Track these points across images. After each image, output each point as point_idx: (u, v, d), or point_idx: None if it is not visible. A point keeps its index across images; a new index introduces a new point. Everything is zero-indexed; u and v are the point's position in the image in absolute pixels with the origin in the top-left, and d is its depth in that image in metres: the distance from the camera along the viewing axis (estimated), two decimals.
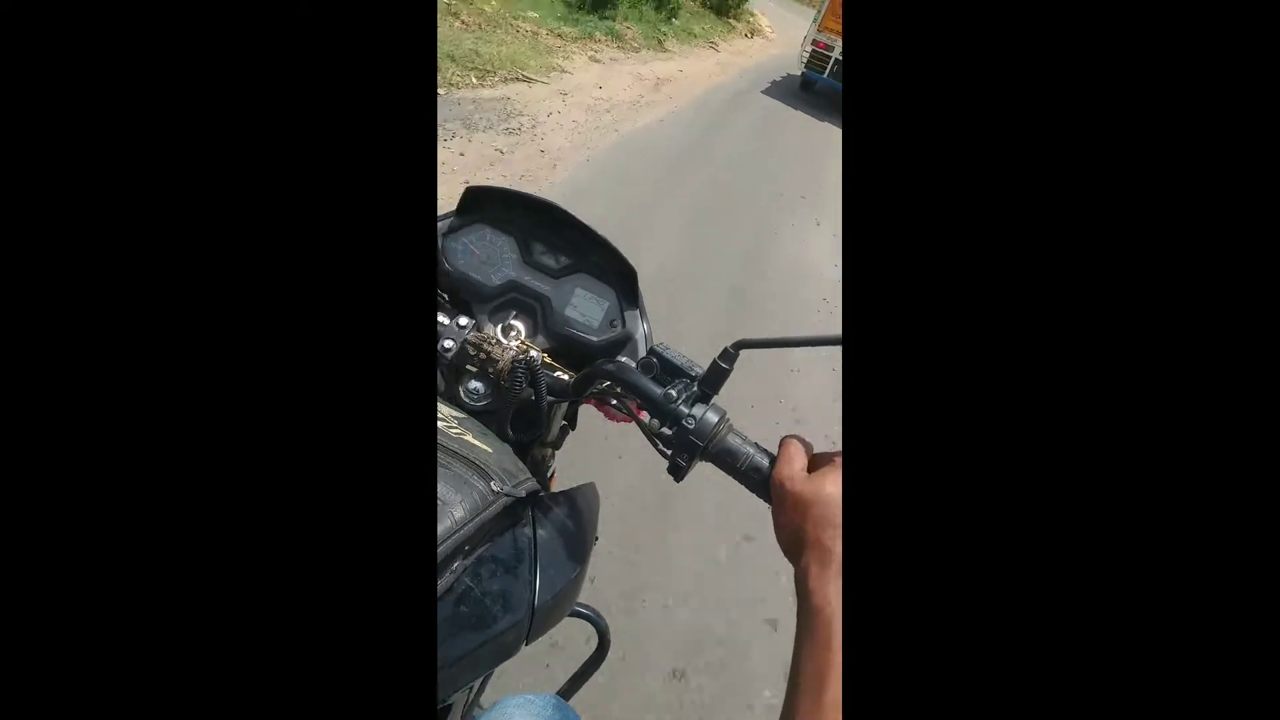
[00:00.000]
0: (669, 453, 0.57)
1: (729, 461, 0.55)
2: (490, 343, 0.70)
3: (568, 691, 0.84)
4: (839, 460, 0.47)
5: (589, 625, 0.78)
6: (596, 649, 0.81)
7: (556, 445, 0.90)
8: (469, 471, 0.55)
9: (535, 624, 0.59)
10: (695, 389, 0.58)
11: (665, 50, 8.64)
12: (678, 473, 0.56)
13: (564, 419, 0.87)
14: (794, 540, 0.45)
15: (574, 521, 0.67)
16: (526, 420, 0.75)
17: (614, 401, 0.68)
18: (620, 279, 0.77)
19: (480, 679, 0.77)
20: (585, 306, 0.77)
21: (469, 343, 0.69)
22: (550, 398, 0.69)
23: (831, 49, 7.32)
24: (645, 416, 0.61)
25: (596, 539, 0.74)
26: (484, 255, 0.77)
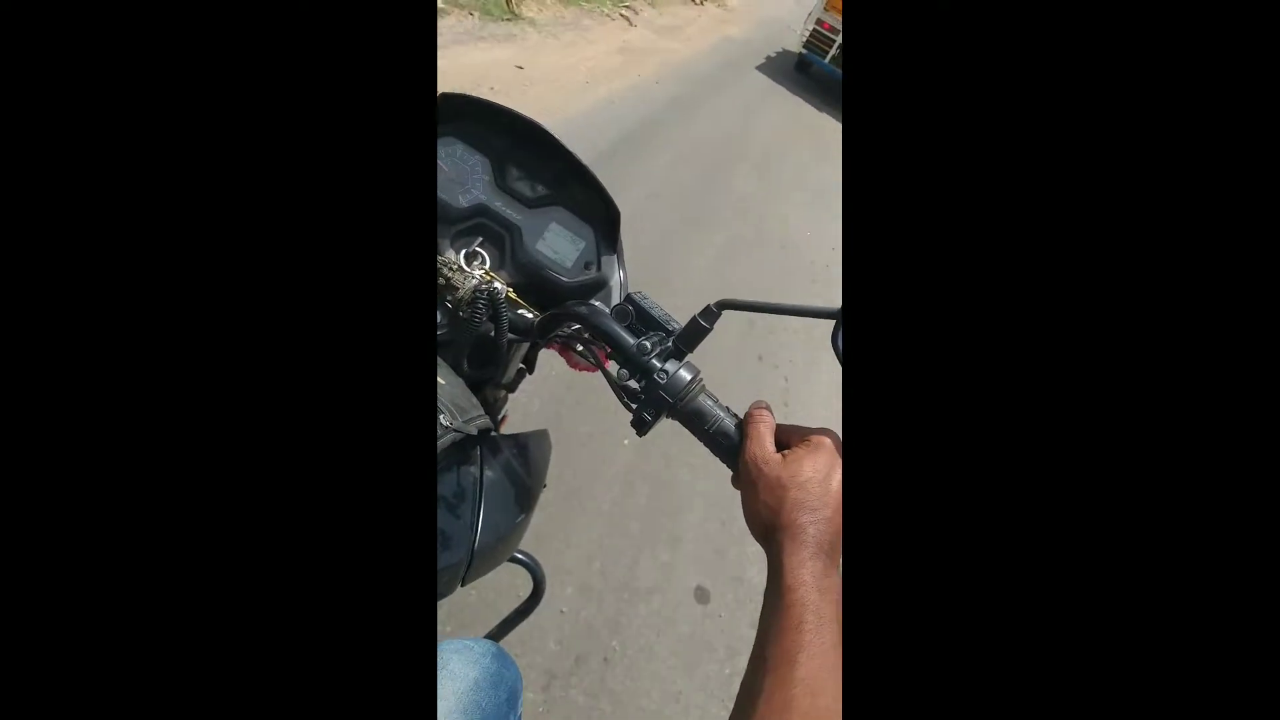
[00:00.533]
0: (634, 406, 0.54)
1: (697, 423, 0.52)
2: (451, 268, 0.64)
3: (498, 634, 0.83)
4: (815, 441, 0.46)
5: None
6: (531, 595, 0.79)
7: (511, 388, 0.85)
8: None
9: (473, 566, 0.57)
10: (670, 344, 0.54)
11: (520, 21, 4.47)
12: (641, 426, 0.53)
13: (522, 361, 0.82)
14: (766, 522, 0.45)
15: (523, 466, 0.64)
16: (482, 357, 0.70)
17: (579, 348, 0.63)
18: (601, 219, 0.71)
19: None
20: (559, 243, 0.71)
21: None
22: (512, 336, 0.64)
23: (837, 33, 6.34)
24: (612, 366, 0.57)
25: (544, 486, 0.71)
26: (453, 173, 0.70)
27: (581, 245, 0.71)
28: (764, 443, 0.47)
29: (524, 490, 0.62)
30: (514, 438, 0.66)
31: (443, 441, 0.52)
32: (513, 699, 0.64)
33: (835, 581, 0.41)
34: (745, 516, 0.47)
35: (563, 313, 0.58)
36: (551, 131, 0.68)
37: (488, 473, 0.58)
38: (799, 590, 0.39)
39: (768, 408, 0.51)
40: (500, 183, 0.71)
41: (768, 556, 0.44)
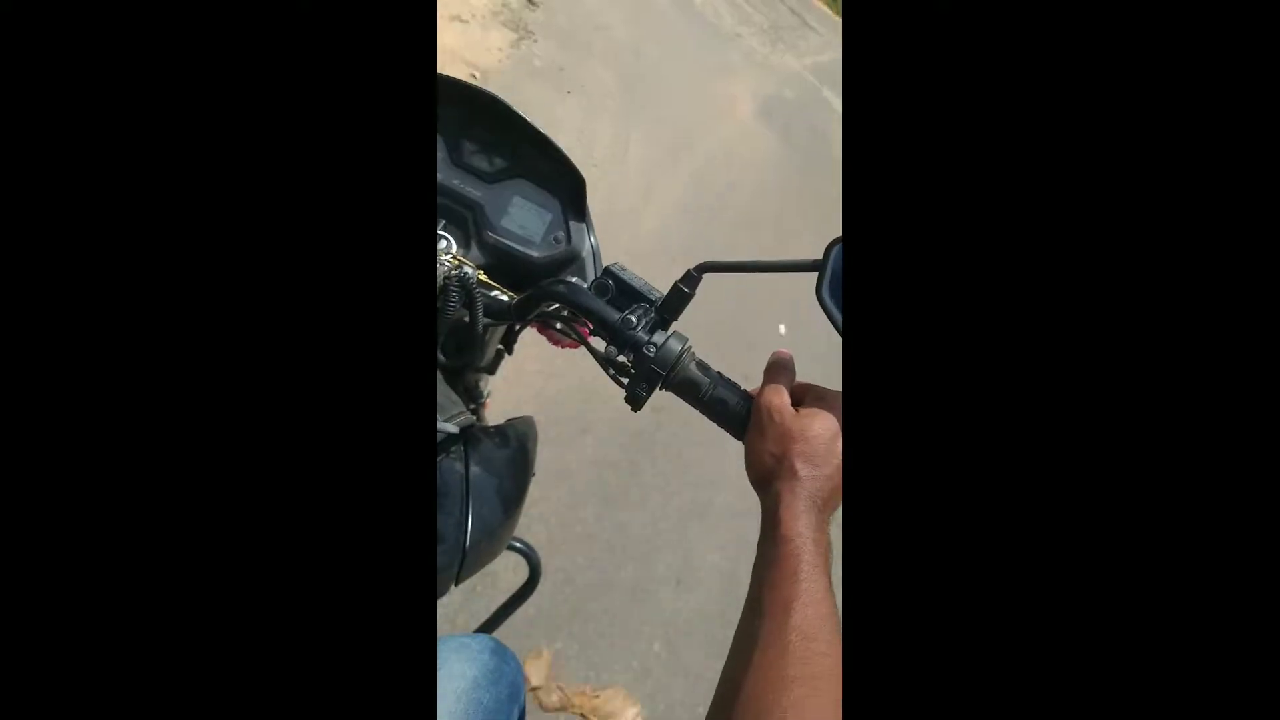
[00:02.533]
0: (625, 381, 0.53)
1: (691, 392, 0.51)
2: None
3: (493, 624, 0.82)
4: (829, 401, 0.47)
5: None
6: (526, 582, 0.79)
7: (491, 370, 0.83)
8: None
9: (466, 563, 0.56)
10: (654, 314, 0.53)
11: None
12: (636, 402, 0.52)
13: (500, 343, 0.80)
14: (767, 468, 0.45)
15: (509, 457, 0.63)
16: (458, 344, 0.68)
17: (559, 325, 0.62)
18: (565, 188, 0.68)
19: None
20: (525, 218, 0.68)
21: None
22: (488, 320, 0.61)
23: None
24: (597, 343, 0.56)
25: (533, 474, 0.70)
26: None
27: (548, 217, 0.68)
28: (781, 393, 0.48)
29: (512, 481, 0.61)
30: (498, 429, 0.65)
31: None
32: (514, 694, 0.63)
33: (826, 536, 0.42)
34: (746, 460, 0.48)
35: (540, 292, 0.56)
36: (507, 101, 0.64)
37: (474, 468, 0.57)
38: (795, 541, 0.40)
39: (790, 357, 0.51)
40: (455, 159, 0.67)
41: (763, 504, 0.44)
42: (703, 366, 0.52)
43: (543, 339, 0.68)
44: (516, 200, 0.68)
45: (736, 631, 0.40)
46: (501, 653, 0.64)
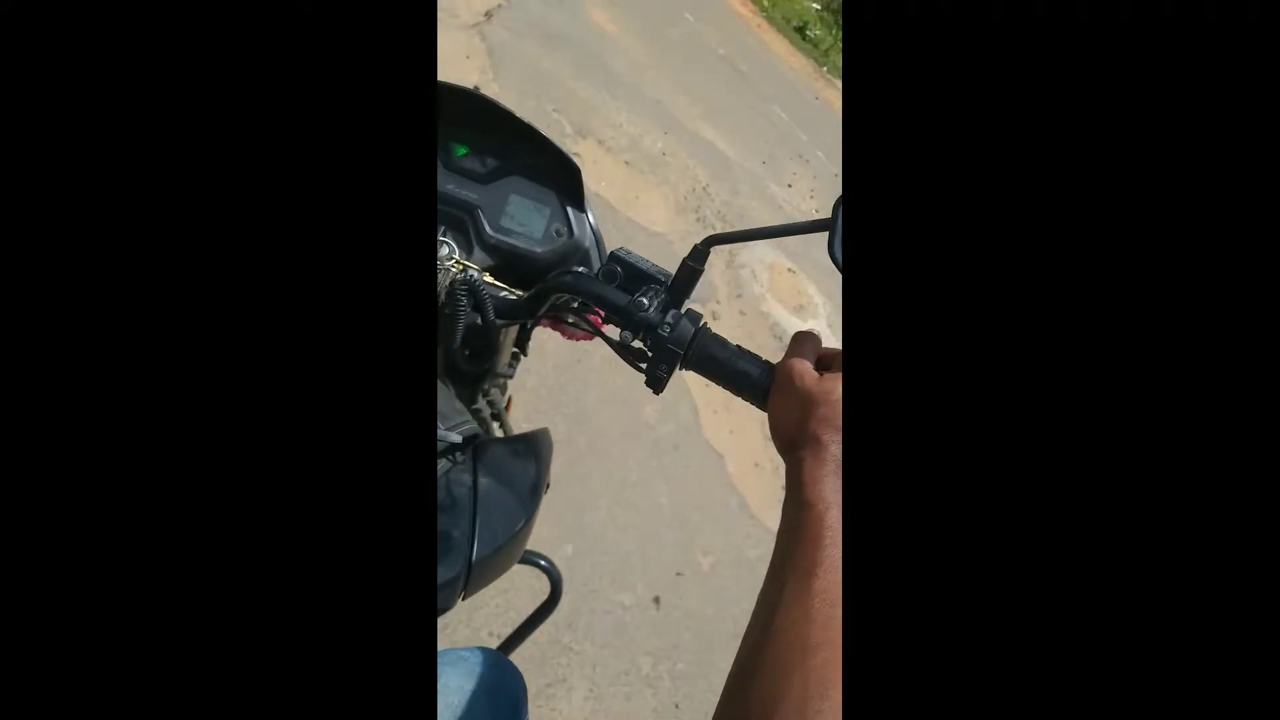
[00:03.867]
0: (643, 365, 0.52)
1: (712, 368, 0.50)
2: None
3: (512, 643, 0.79)
4: None
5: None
6: (547, 599, 0.76)
7: (508, 374, 0.83)
8: None
9: (473, 578, 0.55)
10: (665, 294, 0.52)
11: None
12: (657, 385, 0.51)
13: (514, 346, 0.80)
14: (792, 433, 0.45)
15: (521, 468, 0.62)
16: (473, 349, 0.67)
17: (571, 318, 0.61)
18: (560, 179, 0.67)
19: None
20: (523, 214, 0.67)
21: None
22: (499, 320, 0.61)
23: None
24: (608, 330, 0.55)
25: (548, 486, 0.68)
26: None
27: (547, 211, 0.68)
28: (804, 358, 0.47)
29: (523, 494, 0.60)
30: (510, 440, 0.64)
31: None
32: (516, 707, 0.62)
33: None
34: (770, 425, 0.47)
35: (550, 286, 0.55)
36: (490, 97, 0.64)
37: (482, 479, 0.57)
38: (818, 506, 0.40)
39: (812, 333, 0.50)
40: (448, 163, 0.67)
41: (787, 468, 0.44)
42: (720, 341, 0.51)
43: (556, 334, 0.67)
44: (513, 198, 0.67)
45: (759, 596, 0.40)
46: (502, 665, 0.62)
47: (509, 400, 0.83)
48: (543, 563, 0.73)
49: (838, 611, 0.35)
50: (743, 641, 0.38)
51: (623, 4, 4.41)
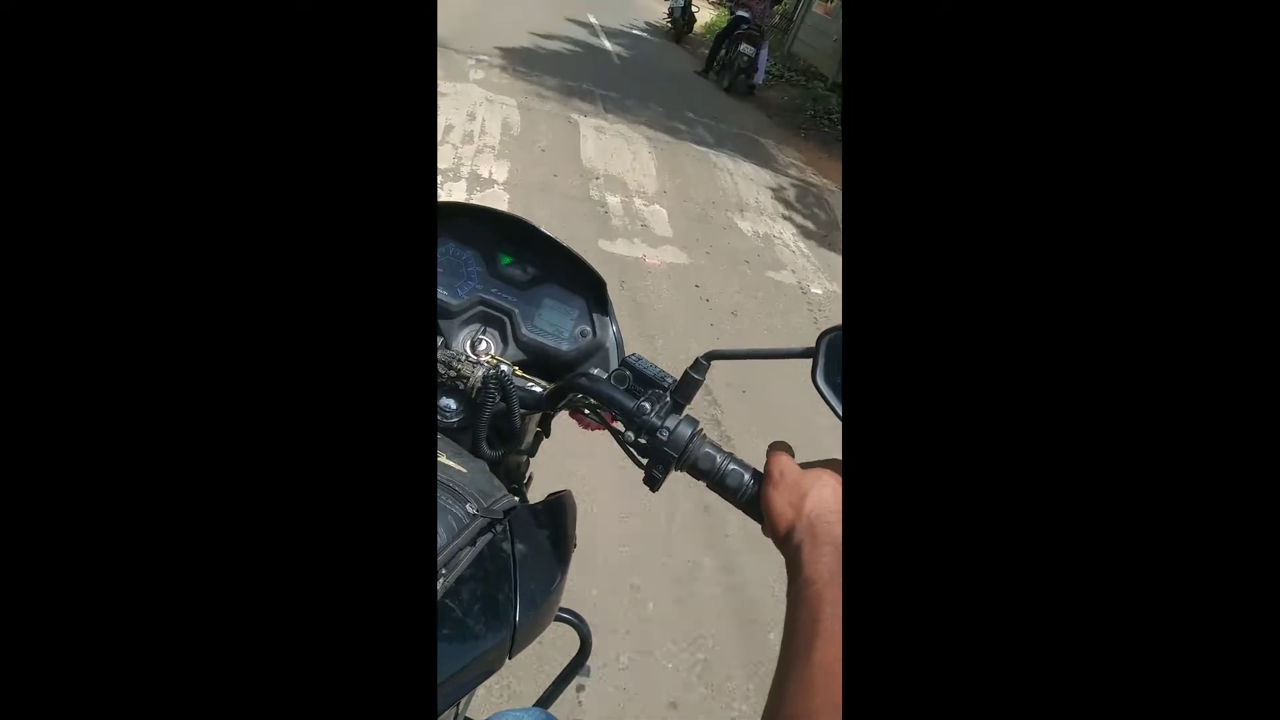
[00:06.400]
0: (644, 462, 0.59)
1: (703, 472, 0.57)
2: (460, 360, 0.70)
3: (549, 698, 0.84)
4: (833, 464, 0.51)
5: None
6: (578, 653, 0.82)
7: (531, 452, 0.91)
8: (445, 495, 0.56)
9: (518, 639, 0.59)
10: (668, 399, 0.59)
11: None
12: (653, 484, 0.58)
13: (538, 426, 0.88)
14: (787, 520, 0.49)
15: (551, 532, 0.68)
16: (501, 434, 0.76)
17: (587, 411, 0.69)
18: (588, 288, 0.78)
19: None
20: (554, 318, 0.78)
21: (438, 361, 0.69)
22: (523, 410, 0.69)
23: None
24: (619, 426, 0.62)
25: (574, 545, 0.75)
26: (448, 270, 0.77)
27: (574, 314, 0.78)
28: (786, 456, 0.53)
29: (556, 555, 0.65)
30: (538, 506, 0.70)
31: (471, 529, 0.56)
32: None
33: None
34: (767, 521, 0.51)
35: (567, 385, 0.63)
36: (534, 223, 0.75)
37: (519, 546, 0.62)
38: (816, 584, 0.42)
39: (786, 446, 0.55)
40: (492, 271, 0.78)
41: (787, 558, 0.47)
42: (714, 447, 0.57)
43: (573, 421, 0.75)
44: (546, 302, 0.78)
45: (774, 675, 0.42)
46: None
47: (529, 478, 0.91)
48: (570, 618, 0.77)
49: (836, 684, 0.36)
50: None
51: None
